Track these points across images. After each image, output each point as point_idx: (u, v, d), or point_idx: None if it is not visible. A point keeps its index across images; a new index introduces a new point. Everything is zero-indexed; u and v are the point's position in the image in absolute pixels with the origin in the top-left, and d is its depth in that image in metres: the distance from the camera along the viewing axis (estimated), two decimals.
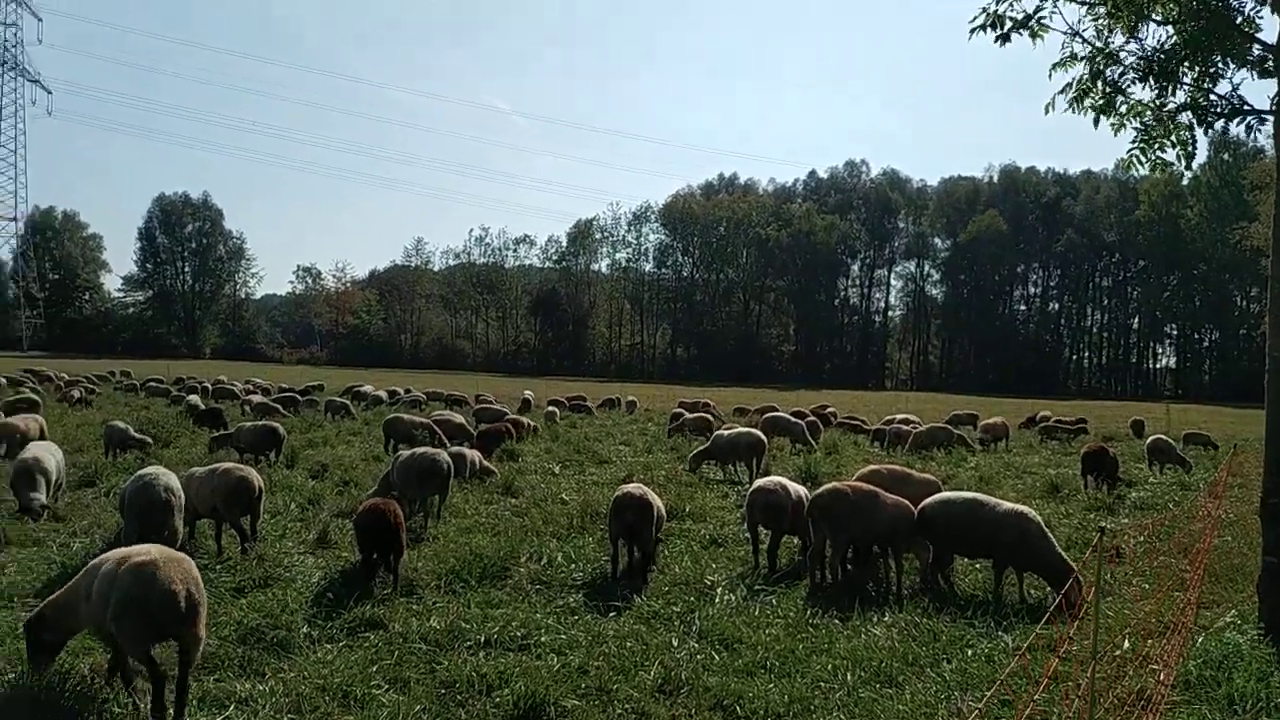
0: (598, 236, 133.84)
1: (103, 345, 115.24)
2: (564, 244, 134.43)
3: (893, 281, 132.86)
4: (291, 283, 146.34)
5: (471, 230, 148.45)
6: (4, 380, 39.91)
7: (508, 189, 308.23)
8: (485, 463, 18.00)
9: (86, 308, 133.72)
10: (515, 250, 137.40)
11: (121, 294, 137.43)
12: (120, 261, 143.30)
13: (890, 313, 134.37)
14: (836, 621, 9.30)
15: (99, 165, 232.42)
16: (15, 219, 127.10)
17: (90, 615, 6.89)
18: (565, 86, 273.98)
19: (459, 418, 25.50)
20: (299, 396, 35.73)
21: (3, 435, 18.08)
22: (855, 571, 11.48)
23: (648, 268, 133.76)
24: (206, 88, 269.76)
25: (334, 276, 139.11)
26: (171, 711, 6.52)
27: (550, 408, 34.92)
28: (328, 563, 11.15)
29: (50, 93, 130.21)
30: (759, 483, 12.40)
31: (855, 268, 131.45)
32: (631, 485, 11.85)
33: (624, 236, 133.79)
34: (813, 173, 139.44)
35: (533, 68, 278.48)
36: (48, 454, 13.67)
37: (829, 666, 7.93)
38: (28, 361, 68.07)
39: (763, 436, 19.86)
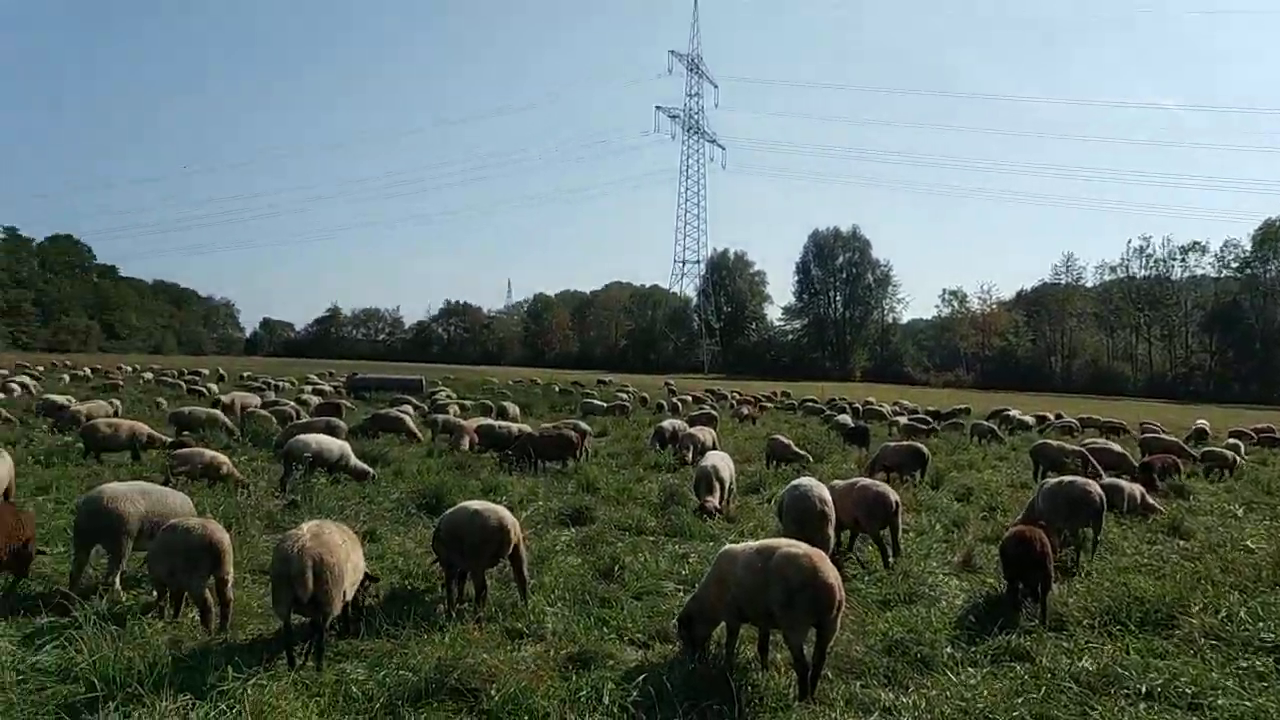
0: None
1: (767, 368, 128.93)
2: (1247, 248, 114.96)
3: None
4: (937, 306, 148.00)
5: (1130, 241, 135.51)
6: (690, 398, 46.81)
7: (1173, 193, 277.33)
8: (1149, 499, 16.17)
9: (753, 335, 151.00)
10: (1183, 260, 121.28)
11: (782, 323, 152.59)
12: (780, 293, 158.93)
13: None
14: None
15: (761, 207, 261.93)
16: (699, 261, 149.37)
17: (727, 603, 7.85)
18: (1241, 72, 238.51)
19: (1118, 446, 23.32)
20: (929, 420, 35.69)
21: (687, 443, 21.06)
22: None
23: None
24: (848, 126, 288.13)
25: (979, 299, 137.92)
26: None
27: (1231, 439, 30.18)
28: (972, 586, 10.96)
29: (724, 149, 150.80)
30: None
31: None
32: None
33: None
34: None
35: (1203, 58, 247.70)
36: (722, 462, 15.67)
37: None
38: (708, 382, 79.20)
39: None
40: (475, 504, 10.00)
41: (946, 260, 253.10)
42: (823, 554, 7.67)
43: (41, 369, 55.86)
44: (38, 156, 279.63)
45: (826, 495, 11.48)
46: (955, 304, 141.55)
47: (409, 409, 29.48)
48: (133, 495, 9.70)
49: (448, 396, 40.71)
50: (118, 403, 28.69)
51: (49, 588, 9.61)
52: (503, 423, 24.21)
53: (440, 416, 26.39)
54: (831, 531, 11.25)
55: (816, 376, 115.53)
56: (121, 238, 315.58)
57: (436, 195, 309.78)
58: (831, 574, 7.32)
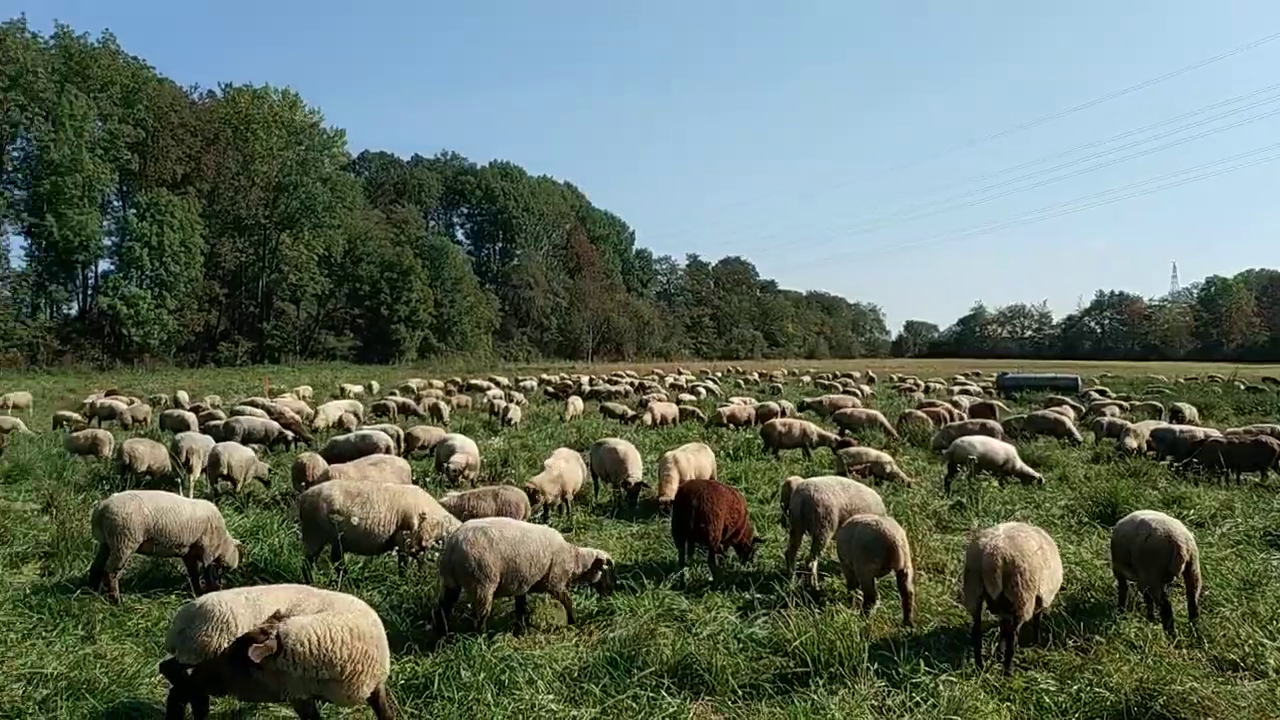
0: None
1: None
2: None
3: None
4: None
5: None
6: None
7: None
8: None
9: None
10: None
11: None
12: None
13: None
14: None
15: None
16: None
17: None
18: None
19: None
20: None
21: None
22: None
23: None
24: None
25: None
26: None
27: None
28: None
29: None
30: None
31: None
32: None
33: None
34: None
35: None
36: None
37: None
38: None
39: None
40: (1145, 514, 9.21)
41: None
42: None
43: (720, 374, 64.14)
44: (701, 188, 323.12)
45: None
46: None
47: (1068, 410, 27.90)
48: (835, 488, 10.60)
49: (1102, 395, 37.68)
50: (788, 404, 31.66)
51: (755, 566, 10.95)
52: (1182, 426, 21.60)
53: (1103, 419, 24.50)
54: None
55: None
56: (778, 253, 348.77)
57: (1083, 179, 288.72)
58: None
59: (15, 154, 69.86)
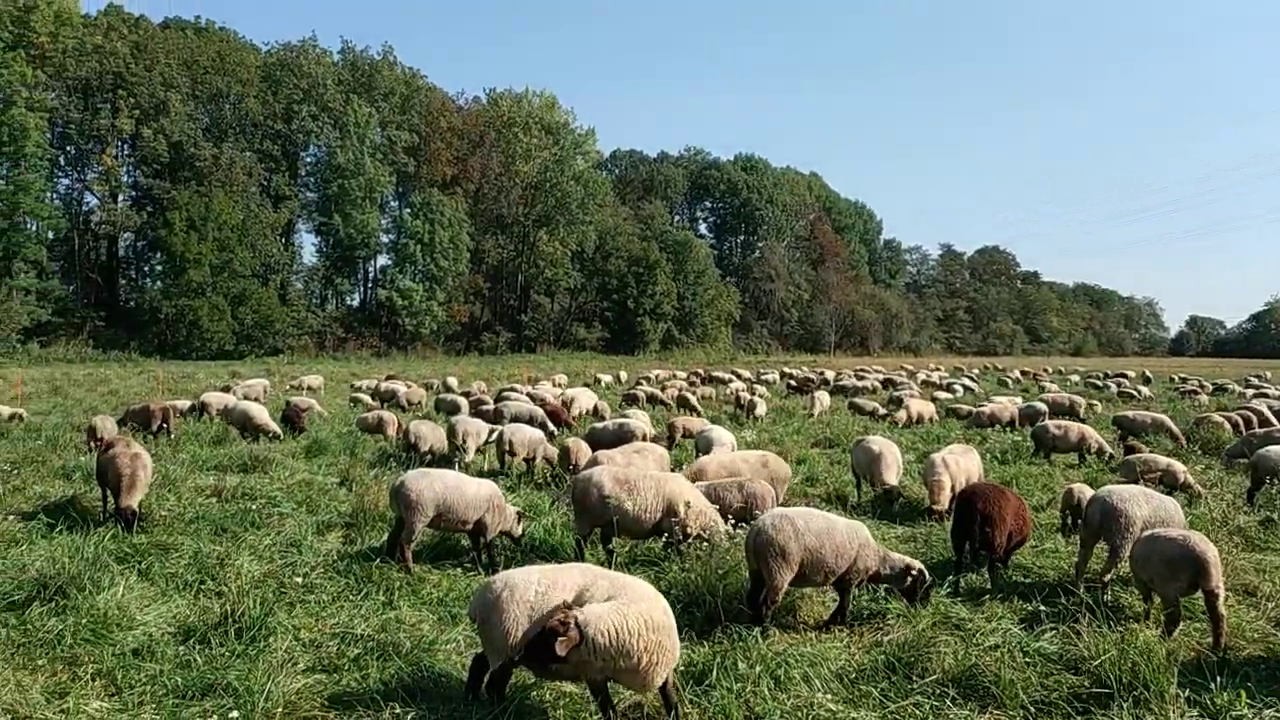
0: None
1: None
2: None
3: None
4: None
5: None
6: None
7: None
8: None
9: None
10: None
11: None
12: None
13: None
14: None
15: None
16: None
17: None
18: None
19: None
20: None
21: None
22: None
23: None
24: None
25: None
26: None
27: None
28: None
29: None
30: None
31: None
32: None
33: None
34: None
35: None
36: None
37: None
38: None
39: None
40: None
41: None
42: None
43: (976, 372, 60.96)
44: (965, 175, 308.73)
45: None
46: None
47: None
48: (1138, 498, 9.82)
49: None
50: (1042, 407, 29.65)
51: (1031, 575, 10.30)
52: None
53: None
54: None
55: None
56: (1042, 242, 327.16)
57: None
58: None
59: (308, 159, 77.95)
